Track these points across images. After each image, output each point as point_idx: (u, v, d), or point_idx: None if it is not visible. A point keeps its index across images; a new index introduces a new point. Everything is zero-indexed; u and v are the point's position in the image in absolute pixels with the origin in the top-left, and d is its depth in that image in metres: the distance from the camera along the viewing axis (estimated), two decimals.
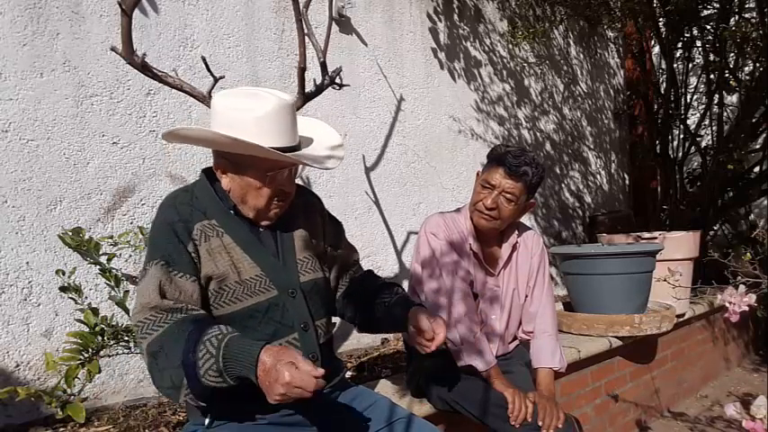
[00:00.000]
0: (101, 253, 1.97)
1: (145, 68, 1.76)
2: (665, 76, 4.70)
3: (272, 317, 1.33)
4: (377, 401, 1.47)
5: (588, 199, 5.05)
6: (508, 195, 1.79)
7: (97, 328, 1.86)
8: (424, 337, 1.29)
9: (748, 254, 2.13)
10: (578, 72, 4.95)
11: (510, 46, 4.15)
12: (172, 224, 1.28)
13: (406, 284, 3.17)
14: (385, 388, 2.00)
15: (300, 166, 1.39)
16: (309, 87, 2.02)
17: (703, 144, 4.71)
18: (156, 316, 1.19)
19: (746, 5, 4.24)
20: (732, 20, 4.19)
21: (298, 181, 1.51)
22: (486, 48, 4.02)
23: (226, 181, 1.34)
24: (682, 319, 3.30)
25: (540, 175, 1.82)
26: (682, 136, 4.72)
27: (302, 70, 1.92)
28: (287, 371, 1.05)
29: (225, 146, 1.28)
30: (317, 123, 1.50)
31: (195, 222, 1.30)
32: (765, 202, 5.14)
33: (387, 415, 1.41)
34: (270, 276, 1.34)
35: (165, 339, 1.16)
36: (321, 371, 1.07)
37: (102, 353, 1.87)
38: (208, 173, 1.40)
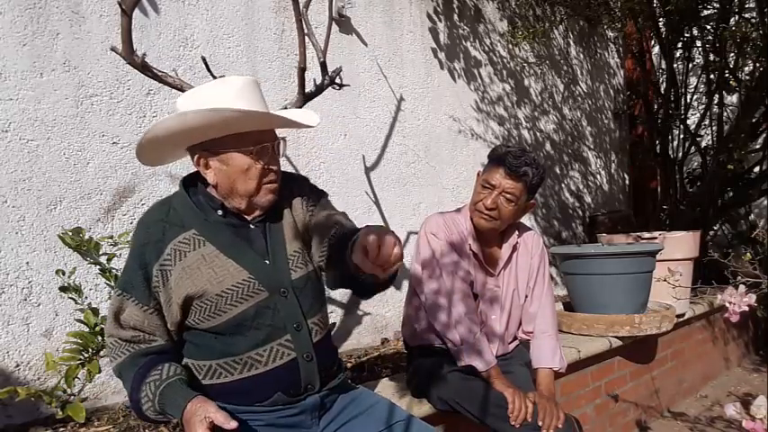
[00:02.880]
0: (101, 253, 1.97)
1: (145, 68, 1.76)
2: (665, 76, 4.70)
3: (262, 321, 1.32)
4: (376, 403, 1.46)
5: (588, 199, 5.05)
6: (508, 196, 1.79)
7: (97, 328, 1.86)
8: (368, 256, 1.00)
9: (748, 254, 2.13)
10: (578, 72, 4.95)
11: (510, 46, 4.15)
12: (142, 246, 1.32)
13: (405, 285, 3.17)
14: (385, 388, 2.00)
15: (282, 146, 1.37)
16: (309, 87, 2.02)
17: (703, 144, 4.71)
18: (114, 344, 1.32)
19: (746, 5, 4.24)
20: (732, 20, 4.19)
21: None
22: (486, 48, 4.02)
23: (211, 175, 1.31)
24: (682, 319, 3.30)
25: (541, 176, 1.82)
26: (682, 136, 4.71)
27: (302, 70, 1.92)
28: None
29: (205, 128, 1.25)
30: (288, 111, 1.51)
31: (168, 241, 1.30)
32: (765, 202, 5.14)
33: (386, 417, 1.40)
34: (259, 278, 1.32)
35: (123, 369, 1.30)
36: (234, 424, 1.15)
37: (102, 353, 1.87)
38: (186, 182, 1.39)
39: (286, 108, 1.87)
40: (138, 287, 1.30)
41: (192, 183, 1.39)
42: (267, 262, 1.35)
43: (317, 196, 1.49)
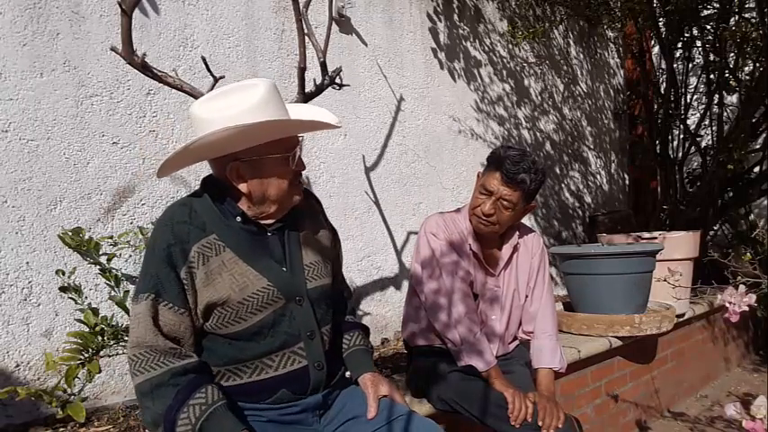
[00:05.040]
0: (101, 253, 1.98)
1: (145, 68, 1.76)
2: (665, 76, 4.70)
3: (279, 329, 1.32)
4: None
5: (588, 199, 5.05)
6: (505, 202, 1.78)
7: (97, 328, 1.87)
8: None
9: (748, 254, 2.13)
10: (578, 72, 4.95)
11: (510, 46, 4.15)
12: (168, 247, 1.25)
13: (405, 285, 3.18)
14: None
15: (297, 149, 1.35)
16: (309, 87, 2.02)
17: (703, 144, 4.71)
18: (148, 355, 1.22)
19: (746, 5, 4.23)
20: (732, 20, 4.19)
21: None
22: (486, 48, 4.02)
23: (244, 186, 1.29)
24: (682, 319, 3.30)
25: (540, 181, 1.81)
26: (682, 136, 4.71)
27: (302, 70, 1.92)
28: None
29: (243, 138, 1.22)
30: (294, 106, 1.47)
31: (193, 243, 1.27)
32: (765, 202, 5.14)
33: (386, 413, 1.39)
34: (277, 285, 1.32)
35: (156, 386, 1.21)
36: None
37: (102, 353, 1.87)
38: (206, 183, 1.36)
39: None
40: (170, 289, 1.24)
41: (211, 184, 1.36)
42: (284, 269, 1.35)
43: (335, 236, 1.57)
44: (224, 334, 1.30)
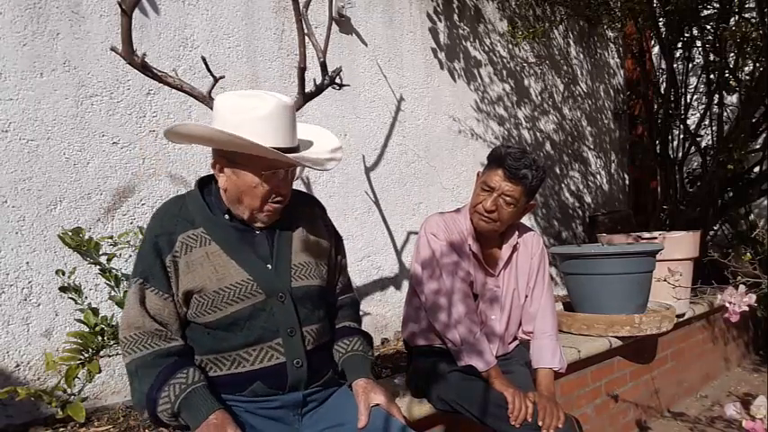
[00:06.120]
0: (101, 253, 1.98)
1: (145, 68, 1.76)
2: (665, 76, 4.70)
3: (255, 323, 1.34)
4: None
5: (588, 199, 5.05)
6: (507, 198, 1.78)
7: (97, 328, 1.87)
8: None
9: (748, 254, 2.13)
10: (578, 72, 4.95)
11: (510, 46, 4.15)
12: (156, 237, 1.35)
13: (405, 285, 3.18)
14: (385, 388, 1.99)
15: (298, 170, 1.41)
16: (309, 87, 2.02)
17: (703, 144, 4.71)
18: (137, 336, 1.30)
19: (746, 5, 4.24)
20: (732, 20, 4.19)
21: (301, 188, 1.53)
22: (486, 48, 4.02)
23: (222, 179, 1.36)
24: (682, 319, 3.30)
25: (541, 178, 1.81)
26: (682, 136, 4.71)
27: (302, 70, 1.92)
28: None
29: (223, 143, 1.30)
30: (315, 128, 1.52)
31: (179, 234, 1.35)
32: (765, 202, 5.14)
33: (378, 426, 1.34)
34: (257, 281, 1.35)
35: (141, 366, 1.28)
36: None
37: (102, 353, 1.87)
38: (202, 182, 1.44)
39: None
40: (156, 275, 1.33)
41: (208, 182, 1.44)
42: (269, 266, 1.39)
43: (338, 242, 1.59)
44: (202, 323, 1.35)
